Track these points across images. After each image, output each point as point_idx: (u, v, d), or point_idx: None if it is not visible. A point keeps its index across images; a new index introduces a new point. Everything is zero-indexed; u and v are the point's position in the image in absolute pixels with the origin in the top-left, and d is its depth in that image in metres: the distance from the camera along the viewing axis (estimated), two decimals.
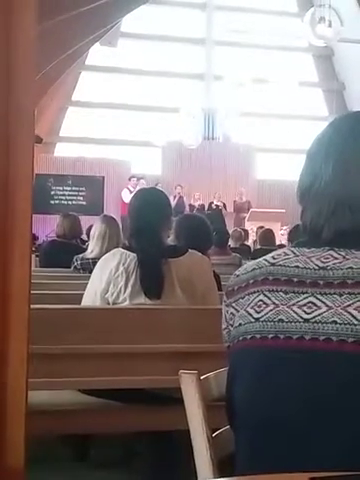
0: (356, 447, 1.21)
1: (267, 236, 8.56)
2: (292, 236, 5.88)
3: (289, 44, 19.85)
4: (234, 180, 18.36)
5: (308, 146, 1.46)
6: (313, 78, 20.32)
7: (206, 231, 3.93)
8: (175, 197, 16.35)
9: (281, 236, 13.17)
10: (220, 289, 3.55)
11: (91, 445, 3.60)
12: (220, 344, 1.49)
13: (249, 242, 12.15)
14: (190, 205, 16.88)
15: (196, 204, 16.94)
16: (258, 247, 8.79)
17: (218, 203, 16.83)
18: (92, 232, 5.06)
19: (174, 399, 2.42)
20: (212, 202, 16.93)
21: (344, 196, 1.35)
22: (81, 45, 12.74)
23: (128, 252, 3.15)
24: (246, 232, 12.52)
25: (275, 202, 17.29)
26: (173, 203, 15.64)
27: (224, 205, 16.90)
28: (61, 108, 18.62)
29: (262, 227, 10.66)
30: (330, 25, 12.59)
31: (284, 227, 14.45)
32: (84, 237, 7.15)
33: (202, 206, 16.88)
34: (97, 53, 18.07)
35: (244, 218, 16.28)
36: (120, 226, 5.20)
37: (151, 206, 3.23)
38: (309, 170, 1.41)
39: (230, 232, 8.88)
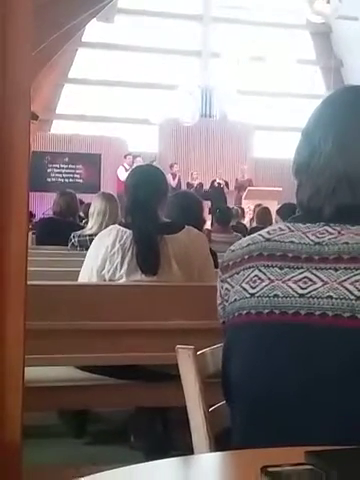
0: (352, 421, 1.22)
1: (264, 214, 8.54)
2: (282, 214, 5.87)
3: (287, 21, 19.70)
4: (231, 158, 18.30)
5: (305, 123, 1.45)
6: (311, 55, 20.19)
7: (198, 209, 3.92)
8: (174, 177, 16.24)
9: None
10: (216, 266, 3.56)
11: (88, 421, 3.62)
12: (217, 320, 1.49)
13: (246, 220, 12.13)
14: (188, 184, 16.75)
15: (194, 183, 16.80)
16: (254, 225, 8.78)
17: (220, 181, 16.74)
18: (91, 210, 5.03)
19: (170, 376, 2.43)
20: (214, 180, 16.84)
21: (344, 172, 1.34)
22: (77, 21, 12.64)
23: (124, 229, 3.15)
24: (242, 210, 12.49)
25: (272, 180, 17.22)
26: (173, 184, 15.57)
27: (226, 183, 16.80)
28: (57, 85, 18.49)
29: (259, 205, 10.63)
30: (328, 1, 12.51)
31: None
32: (81, 215, 7.14)
33: (200, 185, 16.76)
34: (94, 30, 17.90)
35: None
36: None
37: (147, 183, 3.22)
38: (306, 144, 1.40)
39: None
